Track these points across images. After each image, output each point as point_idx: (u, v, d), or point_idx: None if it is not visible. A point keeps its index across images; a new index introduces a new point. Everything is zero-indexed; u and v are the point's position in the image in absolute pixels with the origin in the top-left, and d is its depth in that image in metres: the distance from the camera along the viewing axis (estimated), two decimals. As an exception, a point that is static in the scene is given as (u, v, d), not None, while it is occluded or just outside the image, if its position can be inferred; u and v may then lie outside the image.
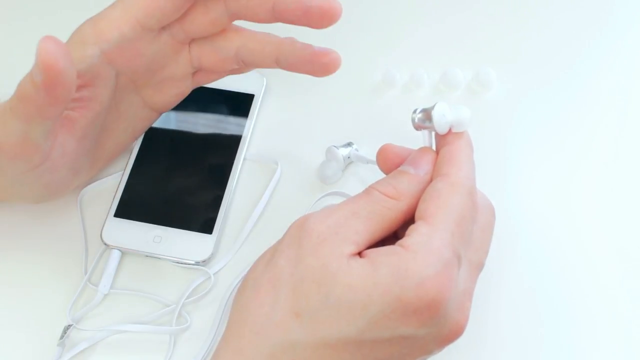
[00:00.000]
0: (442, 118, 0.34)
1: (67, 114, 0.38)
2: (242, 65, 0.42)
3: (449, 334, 0.33)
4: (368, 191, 0.34)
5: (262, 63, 0.41)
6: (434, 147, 0.36)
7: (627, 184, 0.46)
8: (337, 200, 0.45)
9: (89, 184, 0.46)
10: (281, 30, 0.41)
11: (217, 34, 0.41)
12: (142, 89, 0.42)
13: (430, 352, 0.33)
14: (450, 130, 0.35)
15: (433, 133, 0.36)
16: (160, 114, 0.45)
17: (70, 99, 0.35)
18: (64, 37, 0.38)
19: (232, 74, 0.44)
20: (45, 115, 0.34)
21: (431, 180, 0.34)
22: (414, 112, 0.35)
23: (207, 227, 0.44)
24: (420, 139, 0.37)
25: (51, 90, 0.33)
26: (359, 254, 0.32)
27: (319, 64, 0.40)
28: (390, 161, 0.37)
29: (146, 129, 0.46)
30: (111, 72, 0.39)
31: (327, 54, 0.40)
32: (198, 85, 0.44)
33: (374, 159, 0.38)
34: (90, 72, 0.38)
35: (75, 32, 0.38)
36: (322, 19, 0.38)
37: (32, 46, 0.33)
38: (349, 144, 0.46)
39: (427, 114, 0.35)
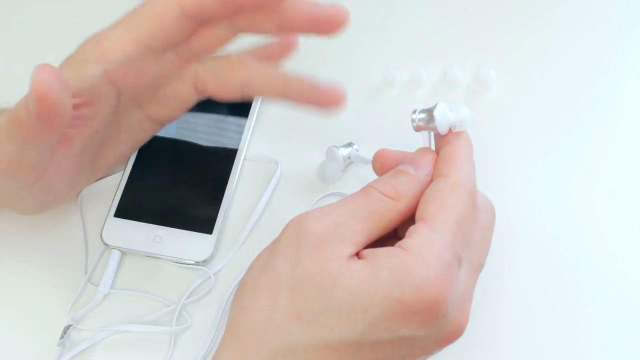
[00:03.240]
0: (444, 118, 0.34)
1: (65, 132, 0.37)
2: (247, 95, 0.41)
3: (449, 335, 0.33)
4: (367, 190, 0.34)
5: (267, 95, 0.41)
6: (433, 148, 0.36)
7: (628, 183, 0.46)
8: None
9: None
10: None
11: (223, 67, 0.40)
12: (144, 105, 0.42)
13: (430, 352, 0.33)
14: (450, 130, 0.35)
15: (432, 133, 0.36)
16: (163, 125, 0.44)
17: (65, 126, 0.35)
18: (66, 49, 0.38)
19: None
20: (39, 140, 0.34)
21: (431, 181, 0.34)
22: (414, 112, 0.35)
23: (207, 227, 0.44)
24: (419, 140, 0.37)
25: (44, 119, 0.33)
26: (357, 254, 0.32)
27: (325, 103, 0.39)
28: (388, 166, 0.36)
29: (148, 139, 0.45)
30: (113, 91, 0.39)
31: (333, 93, 0.39)
32: (199, 99, 0.43)
33: (374, 159, 0.38)
34: (91, 92, 0.37)
35: (78, 48, 0.38)
36: (330, 27, 0.37)
37: (33, 53, 0.32)
38: (350, 144, 0.46)
39: (429, 114, 0.35)
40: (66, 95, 0.33)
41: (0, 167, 0.36)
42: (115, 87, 0.38)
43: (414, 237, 0.32)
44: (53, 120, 0.33)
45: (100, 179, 0.46)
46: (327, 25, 0.37)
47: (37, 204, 0.41)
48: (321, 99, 0.39)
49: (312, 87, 0.39)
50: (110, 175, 0.46)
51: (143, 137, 0.44)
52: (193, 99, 0.43)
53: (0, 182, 0.37)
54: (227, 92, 0.41)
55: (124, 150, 0.44)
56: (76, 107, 0.36)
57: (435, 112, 0.34)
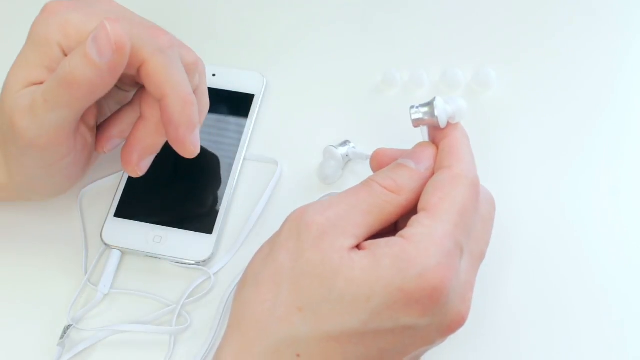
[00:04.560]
0: (444, 112, 0.35)
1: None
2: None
3: (451, 324, 0.32)
4: (368, 183, 0.34)
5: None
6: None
7: (626, 182, 0.46)
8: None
9: (89, 184, 0.46)
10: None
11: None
12: None
13: (432, 342, 0.33)
14: (447, 122, 0.35)
15: (427, 128, 0.36)
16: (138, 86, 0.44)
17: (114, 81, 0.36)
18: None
19: None
20: (96, 94, 0.36)
21: (432, 174, 0.34)
22: (413, 108, 0.35)
23: (207, 227, 0.44)
24: (419, 138, 0.37)
25: (115, 70, 0.35)
26: (358, 246, 0.32)
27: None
28: (385, 165, 0.36)
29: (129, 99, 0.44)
30: None
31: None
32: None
33: (373, 155, 0.38)
34: None
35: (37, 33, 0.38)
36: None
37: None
38: (346, 142, 0.46)
39: (430, 108, 0.35)
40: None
41: (40, 143, 0.36)
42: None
43: (416, 226, 0.32)
44: (120, 70, 0.35)
45: (100, 175, 0.46)
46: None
47: (56, 185, 0.41)
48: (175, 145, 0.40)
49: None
50: (110, 176, 0.46)
51: (123, 97, 0.44)
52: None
53: (30, 160, 0.38)
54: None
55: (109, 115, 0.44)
56: None
57: (435, 104, 0.35)
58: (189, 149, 0.39)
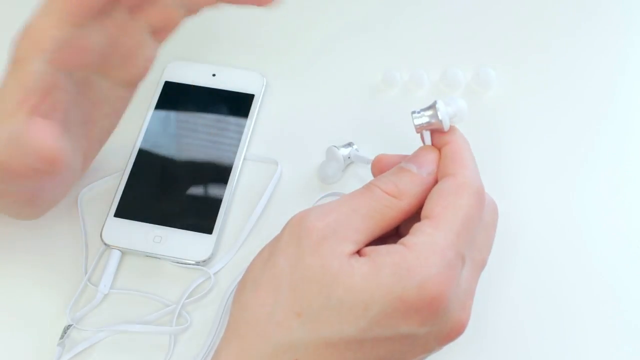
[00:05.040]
0: (447, 114, 0.34)
1: None
2: (191, 9, 0.41)
3: (451, 332, 0.32)
4: (369, 187, 0.34)
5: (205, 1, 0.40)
6: None
7: (626, 183, 0.46)
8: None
9: (89, 184, 0.46)
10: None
11: None
12: (107, 73, 0.40)
13: (431, 349, 0.33)
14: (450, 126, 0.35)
15: (429, 133, 0.36)
16: (136, 86, 0.42)
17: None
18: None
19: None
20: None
21: (435, 180, 0.34)
22: (415, 112, 0.35)
23: (207, 227, 0.44)
24: (419, 141, 0.36)
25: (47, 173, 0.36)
26: (359, 252, 0.32)
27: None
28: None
29: (127, 105, 0.43)
30: (64, 76, 0.37)
31: None
32: (161, 42, 0.42)
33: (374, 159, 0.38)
34: (44, 85, 0.36)
35: (15, 46, 0.36)
36: None
37: None
38: (349, 144, 0.46)
39: (434, 111, 0.35)
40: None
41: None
42: (64, 71, 0.37)
43: (418, 235, 0.32)
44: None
45: (100, 175, 0.46)
46: None
47: (31, 214, 0.41)
48: None
49: None
50: (110, 176, 0.46)
51: (122, 105, 0.43)
52: (151, 46, 0.41)
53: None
54: (171, 16, 0.41)
55: (108, 125, 0.43)
56: (39, 103, 0.36)
57: (438, 106, 0.34)
58: None
